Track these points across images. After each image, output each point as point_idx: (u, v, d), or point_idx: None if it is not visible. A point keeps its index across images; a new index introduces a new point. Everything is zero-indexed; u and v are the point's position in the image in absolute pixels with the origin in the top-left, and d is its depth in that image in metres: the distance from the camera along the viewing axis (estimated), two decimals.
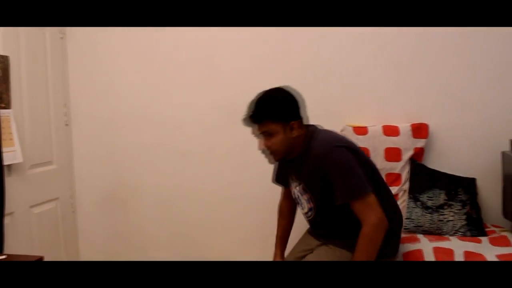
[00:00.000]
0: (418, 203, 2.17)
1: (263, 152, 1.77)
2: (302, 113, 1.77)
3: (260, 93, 1.77)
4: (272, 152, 1.74)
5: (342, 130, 2.30)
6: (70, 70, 2.71)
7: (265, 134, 1.72)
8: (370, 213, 1.60)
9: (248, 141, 2.51)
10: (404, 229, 2.08)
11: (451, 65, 2.29)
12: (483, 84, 2.27)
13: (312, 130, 1.79)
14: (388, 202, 1.75)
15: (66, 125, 2.71)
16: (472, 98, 2.28)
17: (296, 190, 1.83)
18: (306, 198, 1.78)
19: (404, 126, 2.27)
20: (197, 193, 2.62)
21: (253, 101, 1.75)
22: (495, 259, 1.79)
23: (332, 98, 2.37)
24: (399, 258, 1.88)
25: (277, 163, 1.96)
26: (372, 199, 1.63)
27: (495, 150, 2.17)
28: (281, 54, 2.45)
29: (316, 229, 1.89)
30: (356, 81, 2.37)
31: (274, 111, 1.70)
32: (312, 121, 2.42)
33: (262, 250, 2.25)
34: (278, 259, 1.97)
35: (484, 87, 2.27)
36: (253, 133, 1.79)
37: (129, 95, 2.66)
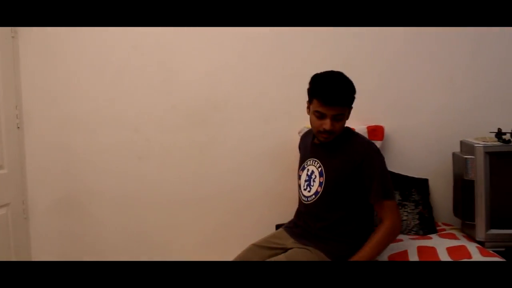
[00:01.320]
0: None
1: (325, 132, 1.77)
2: None
3: (335, 74, 1.78)
4: (332, 134, 1.78)
5: (299, 132, 2.33)
6: (22, 70, 2.60)
7: (338, 117, 1.75)
8: (397, 215, 1.79)
9: (207, 143, 2.52)
10: None
11: (405, 69, 2.37)
12: (435, 88, 2.36)
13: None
14: (369, 224, 1.90)
15: (18, 127, 2.60)
16: (425, 101, 2.37)
17: (310, 171, 1.89)
18: (318, 181, 1.84)
19: (361, 128, 2.31)
20: (156, 196, 2.57)
21: (333, 82, 1.74)
22: (445, 252, 1.87)
23: (290, 100, 2.40)
24: None
25: (298, 154, 2.09)
26: (396, 204, 1.82)
27: (446, 151, 2.26)
28: (238, 56, 2.46)
29: (304, 221, 1.90)
30: None
31: (352, 98, 1.78)
32: (272, 123, 2.45)
33: (222, 252, 2.25)
34: None
35: (436, 90, 2.36)
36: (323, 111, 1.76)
37: (85, 96, 2.58)
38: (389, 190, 1.78)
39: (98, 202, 2.63)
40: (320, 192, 1.83)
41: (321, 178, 1.84)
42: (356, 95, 2.36)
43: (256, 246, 1.95)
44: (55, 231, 2.68)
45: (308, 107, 1.84)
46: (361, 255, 1.73)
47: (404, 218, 2.19)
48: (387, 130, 2.35)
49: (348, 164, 1.78)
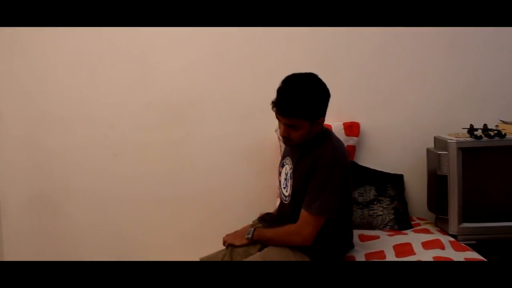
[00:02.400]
0: None
1: (282, 137, 1.75)
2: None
3: (295, 81, 1.67)
4: (289, 140, 1.73)
5: (276, 130, 2.33)
6: None
7: (290, 126, 1.68)
8: (308, 228, 1.69)
9: (183, 140, 2.50)
10: None
11: (381, 67, 2.40)
12: (409, 85, 2.40)
13: (326, 127, 1.83)
14: (346, 228, 1.88)
15: None
16: (400, 98, 2.41)
17: (288, 169, 1.85)
18: (290, 182, 1.81)
19: (337, 125, 2.33)
20: (131, 193, 2.54)
21: (286, 89, 1.67)
22: (421, 247, 1.89)
23: (265, 98, 2.38)
24: None
25: (275, 151, 2.08)
26: (320, 222, 1.70)
27: (421, 147, 2.28)
28: (214, 52, 2.44)
29: (285, 219, 1.87)
30: None
31: (308, 110, 1.66)
32: (248, 120, 2.45)
33: (198, 250, 2.24)
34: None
35: (410, 87, 2.40)
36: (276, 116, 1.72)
37: (59, 93, 2.53)
38: (317, 205, 1.67)
39: (73, 200, 2.59)
40: (291, 195, 1.82)
41: (291, 180, 1.81)
42: (333, 92, 2.40)
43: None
44: (28, 230, 2.62)
45: None
46: (262, 233, 1.80)
47: (380, 213, 2.22)
48: (363, 127, 2.37)
49: (310, 167, 1.71)
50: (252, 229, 1.87)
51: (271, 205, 2.19)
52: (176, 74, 2.46)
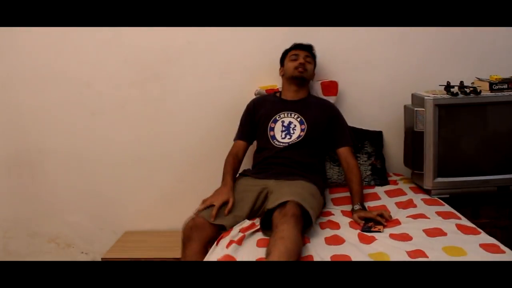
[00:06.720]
0: (327, 156, 2.26)
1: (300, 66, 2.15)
2: None
3: None
4: (305, 69, 2.18)
5: (256, 94, 2.33)
6: None
7: (307, 59, 2.21)
8: (355, 159, 2.15)
9: (161, 98, 2.47)
10: None
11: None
12: (387, 43, 2.39)
13: None
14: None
15: None
16: (378, 56, 2.40)
17: (287, 122, 2.15)
18: (300, 127, 2.13)
19: (315, 83, 2.33)
20: (110, 152, 2.52)
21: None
22: (395, 207, 1.97)
23: (243, 59, 2.38)
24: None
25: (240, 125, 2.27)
26: None
27: (398, 104, 2.30)
28: None
29: (282, 163, 2.07)
30: (267, 41, 2.38)
31: (315, 54, 2.28)
32: (227, 77, 2.42)
33: (178, 207, 2.26)
34: (230, 182, 2.04)
35: (388, 45, 2.39)
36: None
37: (30, 51, 2.45)
38: (350, 138, 2.20)
39: (50, 160, 2.56)
40: (303, 136, 2.10)
41: (302, 125, 2.12)
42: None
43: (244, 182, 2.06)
44: (5, 192, 2.60)
45: (282, 68, 2.24)
46: (361, 198, 2.00)
47: None
48: (341, 85, 2.37)
49: (324, 114, 2.17)
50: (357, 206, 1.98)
51: (249, 160, 2.21)
52: (152, 30, 2.39)
